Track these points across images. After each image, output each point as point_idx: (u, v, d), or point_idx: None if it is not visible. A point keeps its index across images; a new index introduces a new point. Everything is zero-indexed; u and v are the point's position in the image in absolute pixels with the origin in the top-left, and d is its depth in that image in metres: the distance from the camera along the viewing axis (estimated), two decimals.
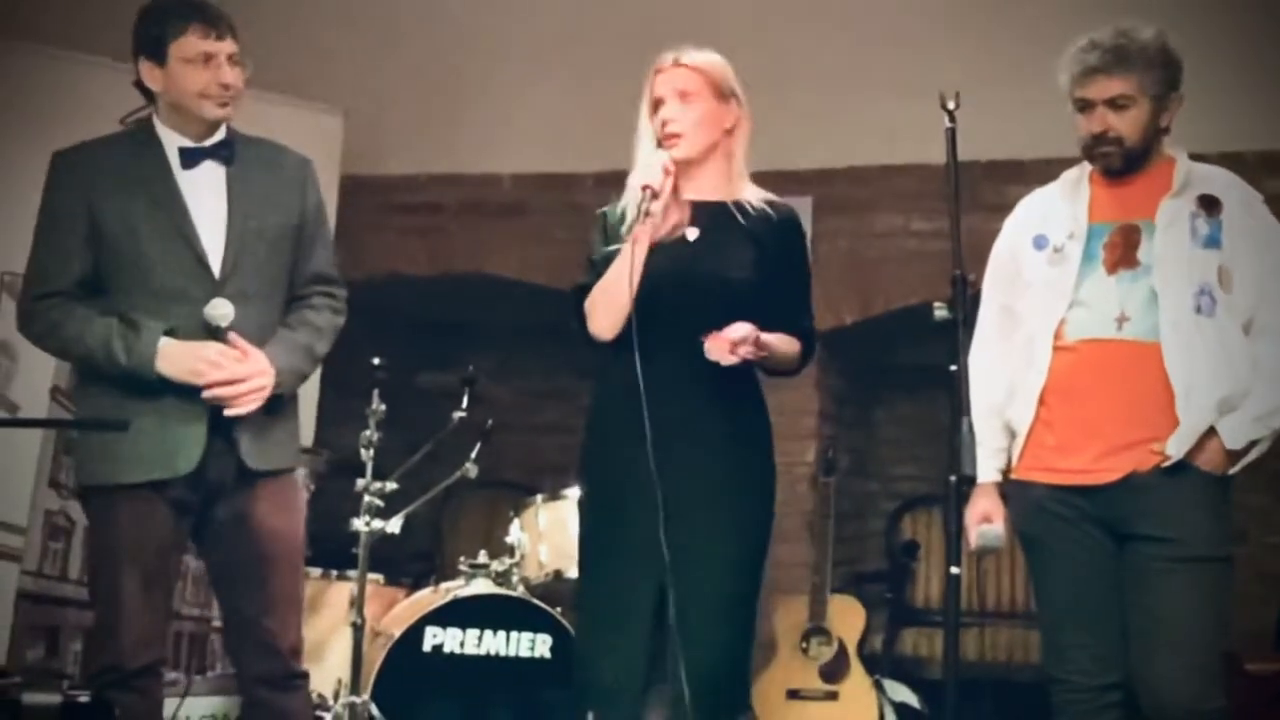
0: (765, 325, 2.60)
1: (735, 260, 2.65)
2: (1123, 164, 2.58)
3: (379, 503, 3.50)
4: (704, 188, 2.70)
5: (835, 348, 4.79)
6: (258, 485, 2.60)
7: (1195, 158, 2.66)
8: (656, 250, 2.61)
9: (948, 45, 4.45)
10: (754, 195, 2.71)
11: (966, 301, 2.28)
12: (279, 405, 2.63)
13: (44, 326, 2.63)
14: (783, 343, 2.64)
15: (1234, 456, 2.50)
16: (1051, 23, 4.25)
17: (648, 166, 2.61)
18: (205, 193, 2.62)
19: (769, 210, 2.71)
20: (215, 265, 2.58)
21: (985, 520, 2.61)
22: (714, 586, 2.57)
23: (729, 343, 2.52)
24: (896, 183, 4.68)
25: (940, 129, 2.37)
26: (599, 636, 2.63)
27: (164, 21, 2.58)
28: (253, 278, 2.61)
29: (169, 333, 2.54)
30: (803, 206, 4.63)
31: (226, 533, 2.62)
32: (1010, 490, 2.66)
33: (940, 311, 2.28)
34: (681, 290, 2.60)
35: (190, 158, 2.62)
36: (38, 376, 3.88)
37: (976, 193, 4.25)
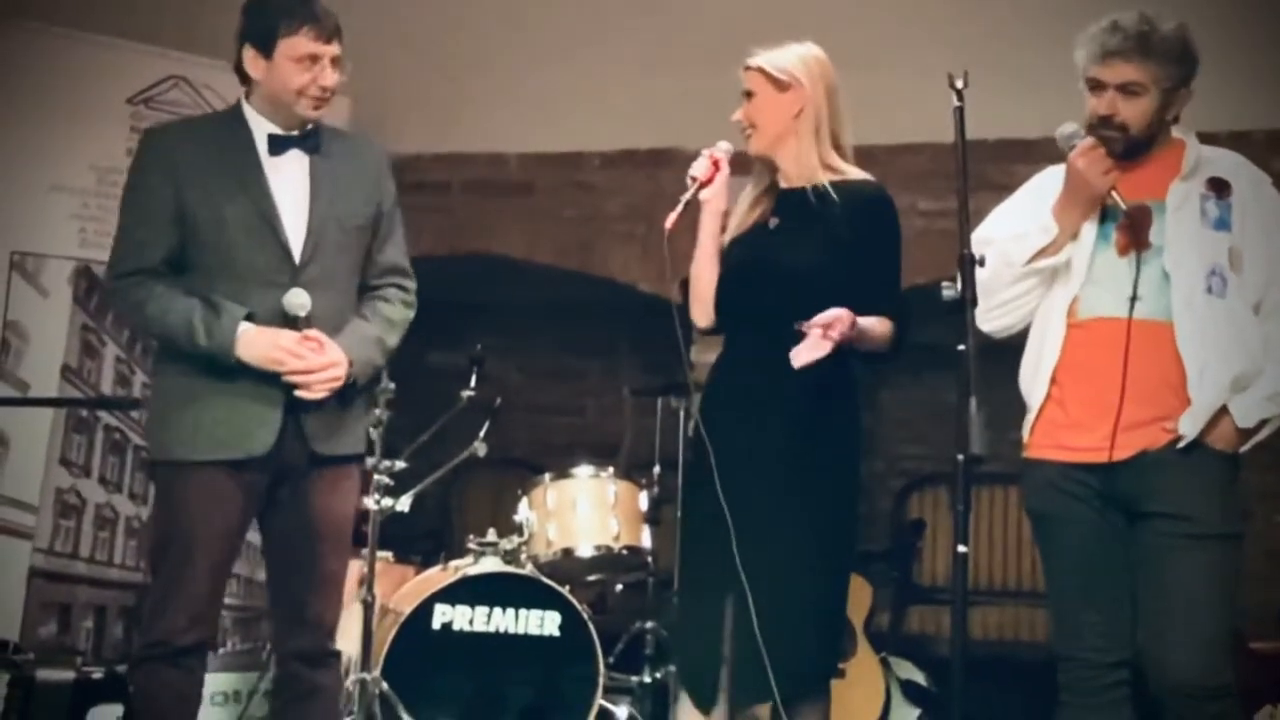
0: (846, 308, 2.65)
1: (807, 246, 2.70)
2: (1123, 150, 2.58)
3: (388, 481, 3.52)
4: (789, 175, 2.78)
5: None
6: (322, 470, 2.65)
7: (1205, 137, 2.66)
8: (741, 239, 2.76)
9: (956, 24, 4.43)
10: (839, 177, 2.76)
11: (974, 281, 2.28)
12: (350, 394, 2.66)
13: (127, 304, 2.69)
14: (876, 325, 2.69)
15: (1245, 435, 2.51)
16: (1059, 4, 4.25)
17: (700, 157, 2.74)
18: (290, 180, 2.65)
19: (850, 191, 2.74)
20: (296, 252, 2.62)
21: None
22: (774, 564, 2.62)
23: (820, 328, 2.55)
24: (903, 162, 4.67)
25: (947, 107, 2.37)
26: (686, 615, 2.79)
27: (278, 15, 2.59)
28: (331, 265, 2.65)
29: (248, 318, 2.58)
30: None
31: (286, 512, 2.67)
32: (1022, 469, 2.67)
33: (948, 291, 2.28)
34: (758, 277, 2.70)
35: (278, 145, 2.66)
36: (49, 355, 3.91)
37: (984, 172, 4.23)
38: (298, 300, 2.57)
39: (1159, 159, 2.60)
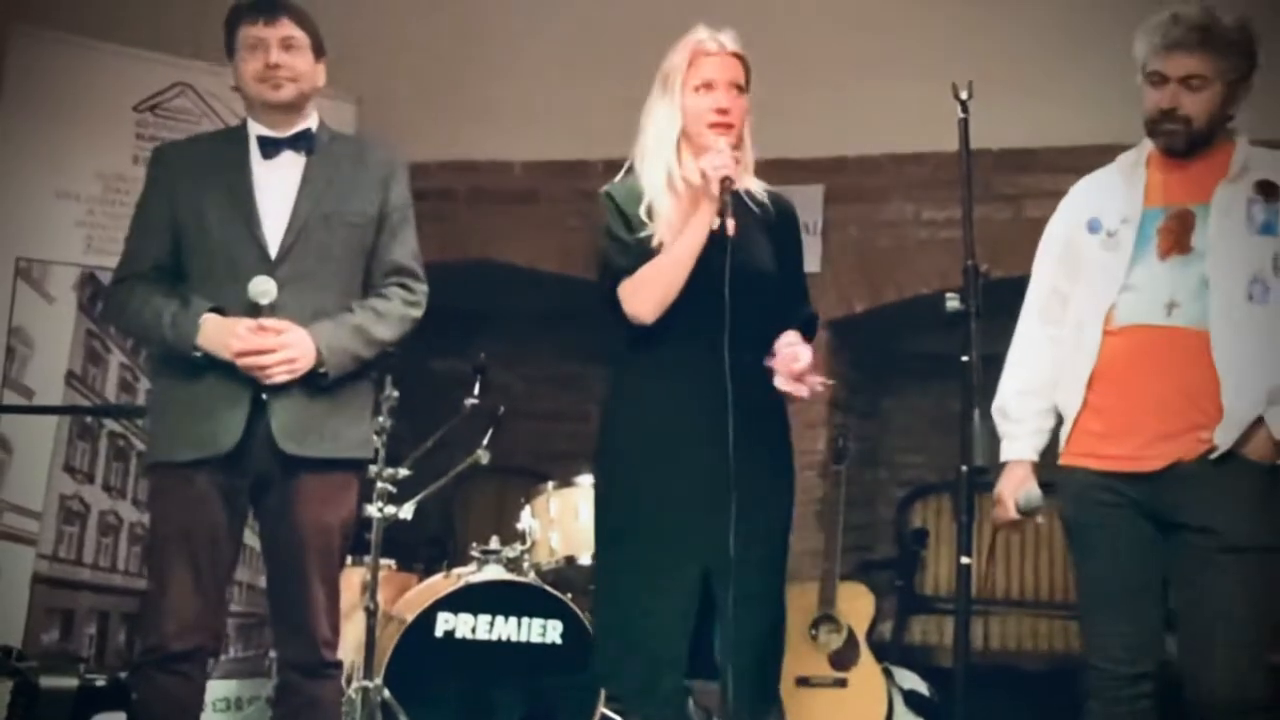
0: (779, 314, 2.63)
1: (759, 249, 2.65)
2: (1185, 144, 2.53)
3: (392, 489, 3.51)
4: None
5: (845, 336, 4.79)
6: (302, 475, 2.61)
7: (1254, 144, 2.60)
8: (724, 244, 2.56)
9: (959, 33, 4.44)
10: (757, 186, 2.71)
11: (979, 293, 2.27)
12: (326, 392, 2.62)
13: (113, 308, 2.75)
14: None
15: None
16: (1065, 11, 4.26)
17: (720, 156, 2.53)
18: (279, 180, 2.67)
19: (773, 200, 2.72)
20: (273, 247, 2.62)
21: (1023, 483, 2.60)
22: (754, 576, 2.55)
23: (794, 374, 2.51)
24: (907, 171, 4.68)
25: (951, 116, 2.37)
26: (640, 624, 2.56)
27: (231, 19, 2.70)
28: (313, 262, 2.64)
29: (217, 310, 2.58)
30: (813, 195, 4.67)
31: (271, 520, 2.66)
32: (1057, 476, 2.62)
33: (952, 303, 2.25)
34: (714, 278, 2.53)
35: (270, 147, 2.69)
36: (53, 361, 3.91)
37: (988, 181, 4.24)
38: (260, 287, 2.55)
39: (1207, 160, 2.55)
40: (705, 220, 2.53)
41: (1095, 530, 2.56)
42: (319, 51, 2.73)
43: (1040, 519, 2.61)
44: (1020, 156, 4.32)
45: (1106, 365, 2.54)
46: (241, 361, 2.54)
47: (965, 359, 2.22)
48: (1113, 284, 2.54)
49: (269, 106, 2.67)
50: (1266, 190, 2.50)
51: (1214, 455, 2.45)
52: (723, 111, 2.60)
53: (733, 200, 2.58)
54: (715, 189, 2.51)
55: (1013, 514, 2.59)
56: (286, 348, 2.56)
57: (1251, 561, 2.43)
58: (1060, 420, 2.64)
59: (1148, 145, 2.62)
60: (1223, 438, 2.44)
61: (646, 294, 2.57)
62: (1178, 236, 2.51)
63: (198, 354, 2.56)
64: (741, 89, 2.64)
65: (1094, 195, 2.67)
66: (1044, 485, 2.63)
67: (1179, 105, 2.50)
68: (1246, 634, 2.43)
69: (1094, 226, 2.61)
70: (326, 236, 2.66)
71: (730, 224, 2.49)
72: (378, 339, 2.70)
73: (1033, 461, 2.65)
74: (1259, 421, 2.44)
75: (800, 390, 2.53)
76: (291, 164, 2.69)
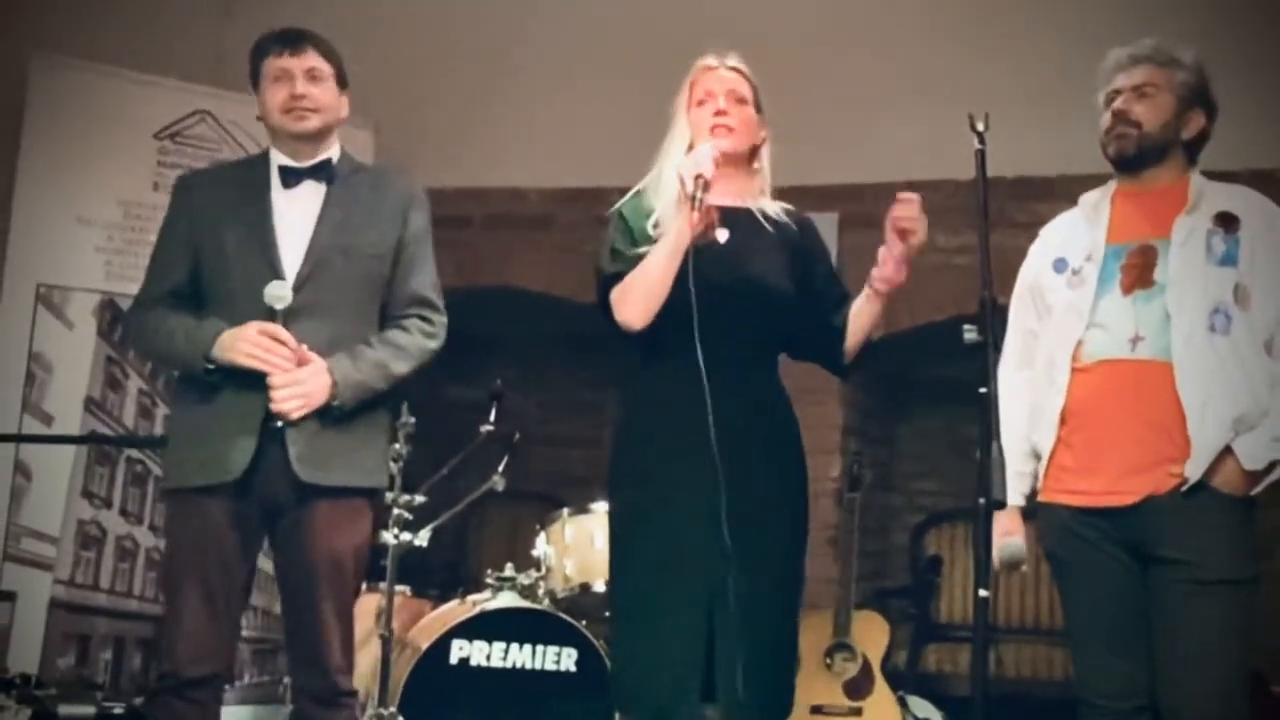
0: (804, 333, 2.65)
1: (770, 266, 2.65)
2: (1136, 150, 2.58)
3: (407, 515, 3.52)
4: (730, 193, 2.67)
5: (860, 362, 4.79)
6: (317, 502, 2.62)
7: (1224, 175, 2.65)
8: (695, 253, 2.55)
9: (974, 60, 4.46)
10: (774, 207, 2.73)
11: (996, 325, 2.26)
12: (339, 420, 2.62)
13: (131, 330, 2.83)
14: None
15: (1253, 477, 2.46)
16: (1079, 41, 4.27)
17: (698, 155, 2.54)
18: (298, 209, 2.69)
19: (790, 219, 2.73)
20: (290, 276, 2.63)
21: (1005, 535, 2.61)
22: (766, 593, 2.54)
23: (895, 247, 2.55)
24: (921, 198, 4.68)
25: (965, 144, 2.37)
26: (652, 648, 2.53)
27: (256, 50, 2.73)
28: (331, 292, 2.66)
29: None
30: (829, 222, 4.67)
31: (285, 547, 2.67)
32: (1038, 511, 2.65)
33: (970, 334, 2.23)
34: (717, 292, 2.54)
35: (291, 176, 2.71)
36: (73, 387, 3.94)
37: (1003, 209, 4.24)
38: (276, 292, 2.57)
39: (1167, 194, 2.59)
40: (685, 222, 2.51)
41: (1078, 565, 2.57)
42: (343, 83, 2.76)
43: (1024, 568, 2.63)
44: (1035, 184, 4.34)
45: (1076, 401, 2.56)
46: (251, 361, 2.54)
47: (983, 391, 2.20)
48: (1079, 321, 2.57)
49: (293, 137, 2.70)
50: (1225, 221, 2.54)
51: (1185, 488, 2.45)
52: (720, 114, 2.64)
53: (744, 217, 2.61)
54: (690, 187, 2.48)
55: (995, 566, 2.58)
56: (300, 383, 2.56)
57: (1225, 594, 2.43)
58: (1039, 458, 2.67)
59: (1112, 185, 2.67)
60: (1192, 470, 2.45)
61: (632, 299, 2.57)
62: (1140, 271, 2.55)
63: (210, 366, 2.57)
64: (743, 101, 2.68)
65: (1060, 236, 2.72)
66: (1028, 513, 2.65)
67: (1130, 110, 2.58)
68: (1223, 664, 2.43)
69: (1060, 266, 2.66)
70: (344, 267, 2.67)
71: (696, 216, 2.46)
72: (395, 374, 2.70)
73: (1019, 507, 2.67)
74: (1227, 452, 2.45)
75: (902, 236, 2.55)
76: (311, 193, 2.71)
